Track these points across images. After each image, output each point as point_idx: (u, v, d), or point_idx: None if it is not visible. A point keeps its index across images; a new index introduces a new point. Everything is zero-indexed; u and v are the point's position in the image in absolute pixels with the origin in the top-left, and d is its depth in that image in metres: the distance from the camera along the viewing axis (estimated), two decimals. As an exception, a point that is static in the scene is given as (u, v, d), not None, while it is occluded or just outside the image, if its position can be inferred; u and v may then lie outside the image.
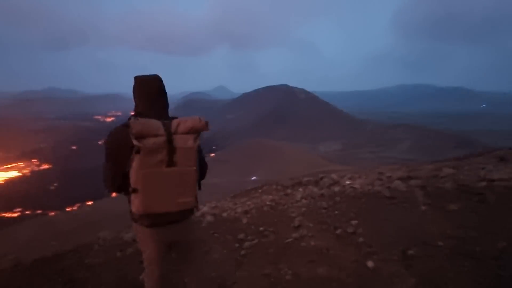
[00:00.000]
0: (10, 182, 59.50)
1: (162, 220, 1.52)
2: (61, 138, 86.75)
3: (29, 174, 64.51)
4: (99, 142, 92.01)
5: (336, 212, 3.93)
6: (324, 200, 4.70)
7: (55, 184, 59.55)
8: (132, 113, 1.59)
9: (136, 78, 1.62)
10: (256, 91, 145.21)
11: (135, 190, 1.39)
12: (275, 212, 4.59)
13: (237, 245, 3.28)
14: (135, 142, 1.35)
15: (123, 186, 1.51)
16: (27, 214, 47.29)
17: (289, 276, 2.38)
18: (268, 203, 5.46)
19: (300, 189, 6.84)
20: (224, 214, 5.28)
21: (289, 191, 6.98)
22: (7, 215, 46.77)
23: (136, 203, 1.41)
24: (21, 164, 68.62)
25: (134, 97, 1.63)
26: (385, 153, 73.83)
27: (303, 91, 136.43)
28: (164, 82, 1.69)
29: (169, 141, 1.42)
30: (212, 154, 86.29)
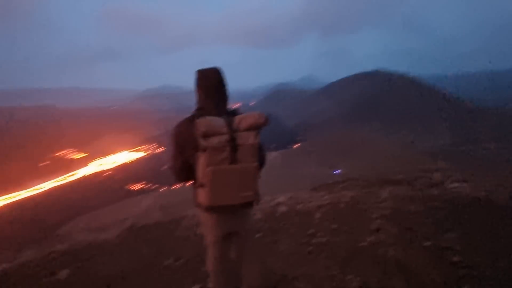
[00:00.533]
0: (138, 160, 76.12)
1: (225, 211, 1.62)
2: (171, 127, 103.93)
3: (150, 155, 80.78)
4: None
5: (429, 219, 3.31)
6: (415, 204, 4.03)
7: (166, 165, 72.40)
8: (196, 108, 1.71)
9: (197, 71, 1.74)
10: (346, 79, 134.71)
11: (202, 185, 1.53)
12: (352, 211, 4.25)
13: (305, 240, 3.20)
14: (201, 141, 1.46)
15: (190, 176, 1.67)
16: (148, 187, 59.44)
17: (355, 284, 2.15)
18: (346, 199, 5.11)
19: (389, 188, 6.11)
20: (298, 206, 5.24)
21: (374, 189, 6.34)
22: (135, 187, 59.96)
23: (202, 196, 1.55)
24: (145, 147, 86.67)
25: (196, 91, 1.75)
26: (516, 152, 56.60)
27: (402, 76, 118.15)
28: (224, 74, 1.76)
29: (232, 139, 1.48)
30: (296, 145, 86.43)
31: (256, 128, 1.56)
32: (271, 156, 73.31)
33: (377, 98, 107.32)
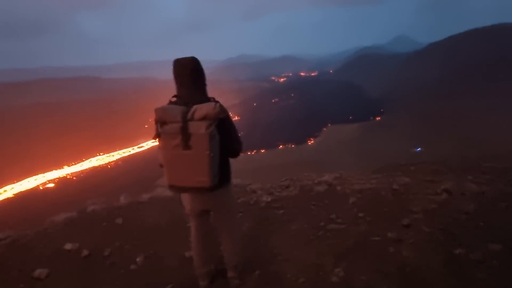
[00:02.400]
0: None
1: (185, 191, 1.81)
2: (246, 96, 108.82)
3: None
4: (272, 100, 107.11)
5: (482, 223, 2.69)
6: (476, 203, 3.29)
7: (241, 133, 77.19)
8: (172, 96, 1.81)
9: (174, 61, 1.80)
10: (453, 38, 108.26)
11: (161, 166, 1.73)
12: (392, 200, 3.80)
13: (322, 224, 3.10)
14: (157, 127, 1.65)
15: None
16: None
17: (336, 278, 2.03)
18: (396, 187, 4.56)
19: (463, 178, 5.13)
20: (338, 188, 4.96)
21: (443, 177, 5.42)
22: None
23: (165, 176, 1.73)
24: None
25: (174, 79, 1.83)
26: None
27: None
28: (198, 64, 1.79)
29: (184, 128, 1.59)
30: (378, 118, 77.92)
31: (210, 118, 1.59)
32: (348, 128, 68.91)
33: (499, 61, 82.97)
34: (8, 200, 49.67)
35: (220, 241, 2.09)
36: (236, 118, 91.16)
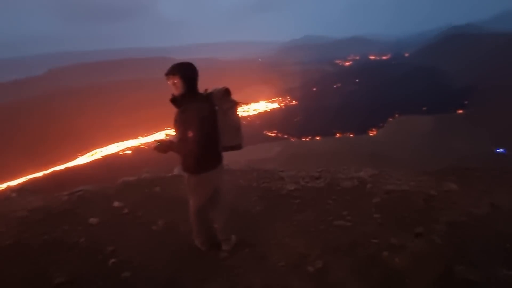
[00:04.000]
0: (272, 111, 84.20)
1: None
2: (307, 80, 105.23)
3: (283, 107, 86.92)
4: (334, 86, 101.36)
5: (508, 245, 2.36)
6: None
7: (298, 118, 75.97)
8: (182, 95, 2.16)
9: (180, 64, 2.15)
10: None
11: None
12: (420, 207, 3.54)
13: (329, 218, 3.14)
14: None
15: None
16: (279, 136, 65.75)
17: (312, 269, 2.11)
18: (433, 193, 4.18)
19: None
20: (368, 186, 4.76)
21: (496, 188, 4.69)
22: (269, 134, 67.72)
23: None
24: (280, 99, 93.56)
25: (182, 81, 2.13)
26: None
27: None
28: None
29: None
30: (459, 111, 66.86)
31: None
32: (419, 120, 61.18)
33: None
34: (96, 161, 60.84)
35: (213, 217, 2.40)
36: (294, 103, 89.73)
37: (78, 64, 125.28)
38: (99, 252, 2.68)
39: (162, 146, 2.07)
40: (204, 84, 2.22)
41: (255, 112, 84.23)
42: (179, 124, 2.08)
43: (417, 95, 78.47)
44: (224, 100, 2.13)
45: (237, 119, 2.20)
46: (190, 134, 1.97)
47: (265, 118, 77.09)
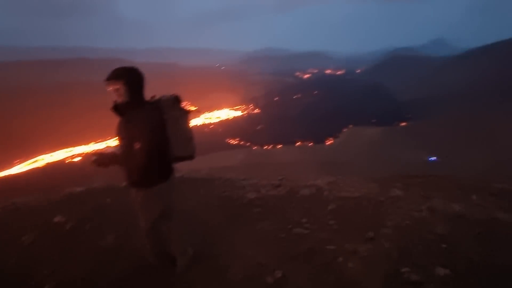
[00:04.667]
0: (235, 119, 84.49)
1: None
2: (269, 90, 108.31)
3: (246, 115, 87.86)
4: (294, 96, 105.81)
5: (444, 246, 2.65)
6: (451, 224, 3.22)
7: (260, 126, 77.33)
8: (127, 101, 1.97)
9: (126, 69, 1.98)
10: (495, 45, 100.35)
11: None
12: (370, 212, 3.78)
13: (289, 226, 3.18)
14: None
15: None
16: (241, 144, 65.94)
17: (271, 280, 2.12)
18: (382, 198, 4.52)
19: (474, 197, 4.97)
20: (325, 193, 4.98)
21: (442, 194, 5.26)
22: (231, 141, 67.54)
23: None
24: (243, 107, 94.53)
25: (128, 87, 1.96)
26: None
27: None
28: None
29: None
30: (402, 123, 74.69)
31: None
32: (369, 131, 66.79)
33: (545, 73, 75.79)
34: (37, 170, 53.77)
35: (167, 230, 2.26)
36: (257, 111, 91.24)
37: (23, 61, 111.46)
38: (31, 277, 2.33)
39: (102, 159, 1.85)
40: (165, 90, 2.12)
41: (218, 120, 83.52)
42: (124, 135, 1.91)
43: (367, 108, 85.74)
44: (174, 108, 2.01)
45: (189, 128, 2.10)
46: (137, 145, 1.81)
47: (227, 126, 76.84)
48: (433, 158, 40.04)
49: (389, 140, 52.99)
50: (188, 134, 2.07)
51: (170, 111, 1.96)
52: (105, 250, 2.73)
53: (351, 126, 72.62)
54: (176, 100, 2.04)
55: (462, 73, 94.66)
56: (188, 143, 2.07)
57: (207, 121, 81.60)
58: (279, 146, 63.21)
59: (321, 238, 2.83)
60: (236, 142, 67.09)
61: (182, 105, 2.07)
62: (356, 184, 6.14)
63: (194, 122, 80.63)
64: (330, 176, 7.20)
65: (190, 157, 2.08)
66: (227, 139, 68.18)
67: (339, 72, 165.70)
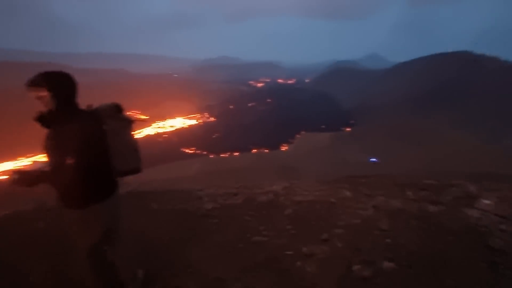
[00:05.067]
0: (190, 127, 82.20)
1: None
2: (224, 98, 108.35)
3: (202, 123, 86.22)
4: (249, 105, 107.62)
5: (388, 240, 2.90)
6: (393, 219, 3.54)
7: (216, 134, 76.51)
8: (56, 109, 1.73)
9: (54, 74, 1.73)
10: (421, 60, 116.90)
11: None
12: (324, 214, 3.96)
13: (247, 235, 3.14)
14: None
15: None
16: (197, 153, 64.18)
17: None
18: (333, 200, 4.77)
19: (409, 192, 5.52)
20: (281, 198, 5.10)
21: (382, 192, 5.76)
22: (186, 150, 65.29)
23: None
24: (198, 115, 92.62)
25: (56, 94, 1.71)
26: None
27: (495, 60, 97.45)
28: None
29: None
30: (348, 129, 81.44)
31: None
32: (320, 137, 71.21)
33: (459, 83, 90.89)
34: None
35: (113, 253, 2.02)
36: (212, 119, 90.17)
37: None
38: None
39: (25, 178, 1.59)
40: (111, 98, 1.92)
41: (172, 129, 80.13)
42: (53, 149, 1.66)
43: (317, 115, 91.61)
44: (115, 118, 1.83)
45: (133, 139, 1.93)
46: (69, 160, 1.59)
47: (182, 135, 74.19)
48: (374, 159, 44.46)
49: (337, 144, 57.20)
50: (132, 145, 1.89)
51: (110, 121, 1.77)
52: (35, 287, 2.33)
53: (303, 132, 76.54)
54: (117, 109, 1.85)
55: (394, 84, 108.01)
56: (133, 155, 1.89)
57: (160, 130, 77.64)
58: (236, 153, 63.25)
59: (279, 245, 2.85)
60: (192, 151, 65.13)
61: (125, 114, 1.88)
62: (309, 188, 6.42)
63: (145, 131, 76.12)
64: (286, 181, 7.42)
65: (136, 170, 1.90)
66: (183, 148, 65.77)
67: (290, 81, 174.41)
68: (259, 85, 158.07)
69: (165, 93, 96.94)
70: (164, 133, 76.37)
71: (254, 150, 66.78)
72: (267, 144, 68.05)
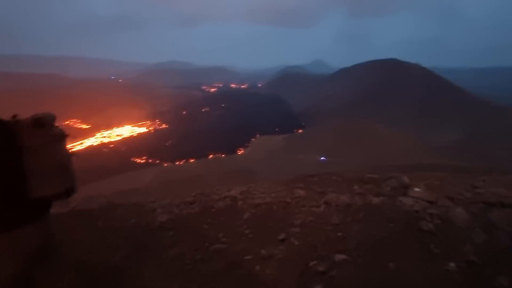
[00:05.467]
0: (140, 135, 77.08)
1: None
2: (176, 104, 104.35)
3: (153, 131, 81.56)
4: (203, 110, 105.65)
5: (339, 234, 3.11)
6: (343, 213, 3.81)
7: (170, 141, 73.11)
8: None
9: None
10: (359, 66, 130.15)
11: None
12: (281, 214, 4.07)
13: (206, 244, 3.05)
14: None
15: None
16: (150, 162, 60.44)
17: None
18: (288, 200, 4.93)
19: (355, 187, 5.96)
20: (240, 203, 5.09)
21: (333, 188, 6.16)
22: (138, 160, 61.03)
23: None
24: (148, 122, 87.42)
25: None
26: (528, 153, 54.78)
27: (417, 66, 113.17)
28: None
29: None
30: (300, 131, 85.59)
31: None
32: (274, 139, 73.36)
33: (389, 88, 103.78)
34: None
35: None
36: (165, 126, 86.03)
37: None
38: None
39: None
40: (45, 107, 1.64)
41: (119, 138, 74.06)
42: None
43: (271, 118, 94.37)
44: (34, 135, 1.54)
45: (64, 156, 1.65)
46: None
47: (132, 144, 69.12)
48: (323, 158, 47.59)
49: (290, 146, 59.66)
50: (57, 165, 1.61)
51: (29, 138, 1.50)
52: None
53: (258, 135, 77.97)
54: (36, 123, 1.56)
55: (337, 87, 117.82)
56: (61, 176, 1.61)
57: (106, 140, 71.11)
58: (192, 160, 61.36)
59: (238, 250, 2.84)
60: (144, 160, 61.12)
61: (53, 127, 1.61)
62: (266, 190, 6.56)
63: (87, 142, 68.90)
64: (244, 185, 7.46)
65: (66, 193, 1.63)
66: (133, 158, 61.29)
67: (243, 86, 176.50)
68: (212, 90, 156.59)
69: (110, 99, 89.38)
70: (111, 143, 70.24)
71: (211, 156, 65.65)
72: (224, 149, 67.54)
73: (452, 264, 2.27)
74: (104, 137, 73.24)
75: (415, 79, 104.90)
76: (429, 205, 4.16)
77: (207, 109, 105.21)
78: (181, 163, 60.24)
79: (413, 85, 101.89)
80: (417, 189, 5.49)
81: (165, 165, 58.49)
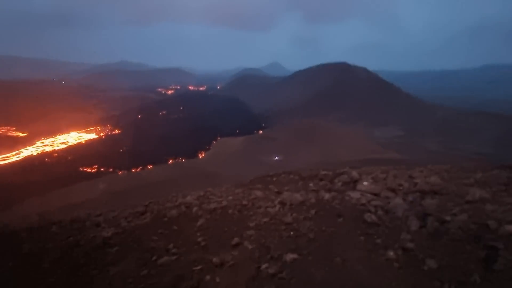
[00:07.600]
0: (90, 142, 70.47)
1: None
2: (130, 107, 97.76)
3: (104, 137, 75.21)
4: (160, 113, 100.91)
5: (292, 233, 3.14)
6: (296, 212, 3.88)
7: (124, 148, 68.15)
8: None
9: None
10: (310, 69, 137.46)
11: None
12: (236, 218, 3.99)
13: (154, 257, 2.83)
14: None
15: None
16: (102, 171, 55.58)
17: None
18: (245, 202, 4.88)
19: (311, 184, 6.13)
20: (194, 209, 4.90)
21: (290, 187, 6.28)
22: (87, 170, 55.70)
23: None
24: (98, 128, 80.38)
25: None
26: (456, 145, 63.38)
27: (364, 70, 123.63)
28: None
29: None
30: (260, 132, 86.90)
31: None
32: (235, 141, 73.21)
33: (340, 89, 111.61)
34: None
35: None
36: (117, 132, 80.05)
37: None
38: None
39: None
40: None
41: (64, 146, 66.84)
42: None
43: (231, 120, 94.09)
44: None
45: None
46: None
47: (79, 152, 62.82)
48: (276, 157, 49.23)
49: (251, 147, 60.17)
50: None
51: None
52: None
53: (219, 137, 77.08)
54: None
55: (292, 89, 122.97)
56: None
57: (48, 149, 63.55)
58: (150, 166, 58.09)
59: (188, 261, 2.69)
60: (95, 169, 56.00)
61: None
62: (224, 193, 6.43)
63: (25, 152, 60.71)
64: (201, 190, 7.23)
65: None
66: (82, 168, 55.76)
67: (201, 88, 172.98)
68: (169, 92, 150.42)
69: (52, 103, 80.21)
70: (54, 151, 63.04)
71: (170, 161, 62.91)
72: (184, 153, 65.29)
73: (391, 253, 2.43)
74: (46, 145, 65.51)
75: (362, 81, 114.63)
76: (374, 197, 4.46)
77: (164, 112, 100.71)
78: (138, 170, 56.57)
79: (360, 87, 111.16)
80: (365, 183, 5.87)
81: (119, 173, 54.37)
